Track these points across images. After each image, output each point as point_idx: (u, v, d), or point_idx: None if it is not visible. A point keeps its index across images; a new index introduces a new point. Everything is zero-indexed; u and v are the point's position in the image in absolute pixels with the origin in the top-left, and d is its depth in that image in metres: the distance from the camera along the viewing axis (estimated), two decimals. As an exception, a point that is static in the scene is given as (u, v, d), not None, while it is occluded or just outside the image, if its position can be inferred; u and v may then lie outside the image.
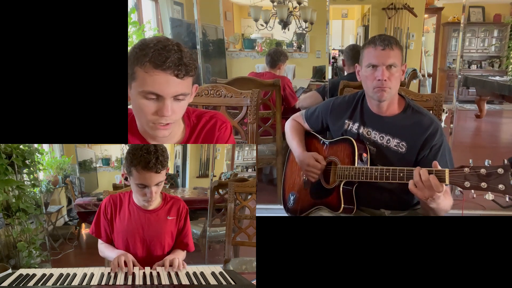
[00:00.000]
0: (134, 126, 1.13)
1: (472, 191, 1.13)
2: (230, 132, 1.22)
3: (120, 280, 1.14)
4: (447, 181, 1.15)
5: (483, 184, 1.10)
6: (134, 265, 1.21)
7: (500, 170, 1.07)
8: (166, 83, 0.97)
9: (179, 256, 1.31)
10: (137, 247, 1.28)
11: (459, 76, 2.92)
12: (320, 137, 1.65)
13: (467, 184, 1.12)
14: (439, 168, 1.17)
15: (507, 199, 1.12)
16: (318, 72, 4.55)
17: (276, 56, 3.10)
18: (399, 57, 1.37)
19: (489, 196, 1.11)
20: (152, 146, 1.15)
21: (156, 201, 1.31)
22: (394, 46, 1.36)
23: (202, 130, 1.18)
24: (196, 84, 1.09)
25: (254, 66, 4.65)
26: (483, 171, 1.09)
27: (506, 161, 1.08)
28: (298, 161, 1.60)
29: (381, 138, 1.44)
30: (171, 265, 1.22)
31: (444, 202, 1.24)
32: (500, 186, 1.07)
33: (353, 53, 2.80)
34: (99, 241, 1.35)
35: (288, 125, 1.74)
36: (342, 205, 1.42)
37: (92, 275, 1.18)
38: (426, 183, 1.17)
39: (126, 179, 1.55)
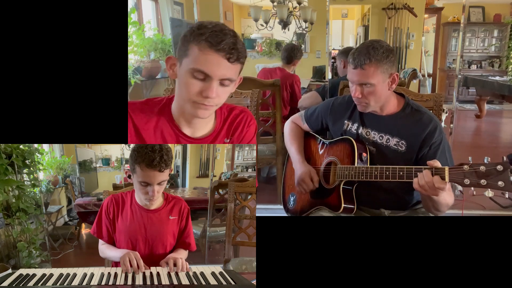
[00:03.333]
0: (168, 111, 1.13)
1: (472, 188, 1.14)
2: (255, 130, 1.24)
3: (120, 280, 1.14)
4: (447, 179, 1.16)
5: (483, 181, 1.10)
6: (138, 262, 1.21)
7: (499, 167, 1.08)
8: (217, 64, 0.99)
9: (182, 255, 1.31)
10: (140, 247, 1.28)
11: (459, 76, 2.92)
12: (320, 137, 1.65)
13: (466, 181, 1.12)
14: (436, 166, 1.18)
15: (507, 196, 1.12)
16: (318, 72, 4.56)
17: (293, 52, 3.10)
18: (375, 74, 1.31)
19: (489, 193, 1.11)
20: (157, 145, 1.15)
21: (158, 201, 1.31)
22: (367, 65, 1.30)
23: (232, 123, 1.19)
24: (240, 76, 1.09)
25: (254, 66, 4.65)
26: (482, 168, 1.10)
27: (505, 158, 1.09)
28: (295, 170, 1.60)
29: (381, 137, 1.44)
30: (175, 265, 1.22)
31: (446, 196, 1.25)
32: (500, 183, 1.08)
33: None
34: (100, 242, 1.34)
35: (287, 128, 1.73)
36: (342, 205, 1.42)
37: (92, 275, 1.17)
38: (429, 184, 1.17)
39: (129, 176, 1.55)
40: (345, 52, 2.90)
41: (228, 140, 1.20)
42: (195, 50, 0.99)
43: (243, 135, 1.20)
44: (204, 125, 1.16)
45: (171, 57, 1.07)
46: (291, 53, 3.10)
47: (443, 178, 1.16)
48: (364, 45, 1.35)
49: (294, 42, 5.00)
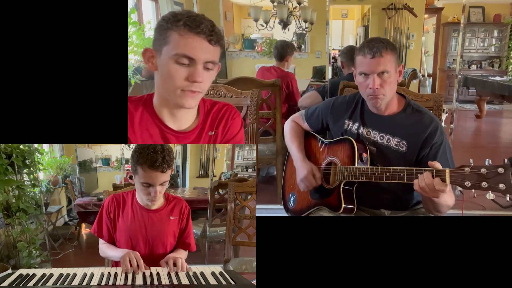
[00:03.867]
0: (149, 106, 1.12)
1: (473, 190, 1.14)
2: (241, 124, 1.23)
3: (120, 280, 1.14)
4: (447, 181, 1.16)
5: (484, 184, 1.10)
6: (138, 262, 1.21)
7: (501, 170, 1.07)
8: (200, 47, 0.99)
9: (181, 255, 1.31)
10: (140, 247, 1.28)
11: (459, 76, 2.93)
12: (320, 137, 1.65)
13: (467, 183, 1.12)
14: (437, 167, 1.18)
15: (508, 199, 1.12)
16: (318, 72, 4.55)
17: (283, 49, 3.08)
18: (391, 62, 1.35)
19: (490, 195, 1.11)
20: (159, 146, 1.15)
21: (159, 201, 1.31)
22: (384, 52, 1.33)
23: (216, 116, 1.19)
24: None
25: (254, 66, 4.65)
26: (483, 170, 1.10)
27: (506, 161, 1.09)
28: (297, 168, 1.60)
29: (381, 137, 1.44)
30: (175, 265, 1.22)
31: (447, 198, 1.25)
32: (501, 185, 1.07)
33: (352, 54, 2.80)
34: (100, 241, 1.35)
35: (288, 126, 1.73)
36: (343, 205, 1.42)
37: (92, 275, 1.17)
38: (429, 186, 1.17)
39: (131, 177, 1.55)
40: (344, 53, 2.91)
41: (213, 133, 1.18)
42: (175, 36, 0.98)
43: (228, 127, 1.19)
44: (187, 118, 1.15)
45: (148, 49, 1.05)
46: (281, 50, 3.07)
47: (443, 180, 1.16)
48: (373, 38, 1.38)
49: (294, 42, 5.00)
